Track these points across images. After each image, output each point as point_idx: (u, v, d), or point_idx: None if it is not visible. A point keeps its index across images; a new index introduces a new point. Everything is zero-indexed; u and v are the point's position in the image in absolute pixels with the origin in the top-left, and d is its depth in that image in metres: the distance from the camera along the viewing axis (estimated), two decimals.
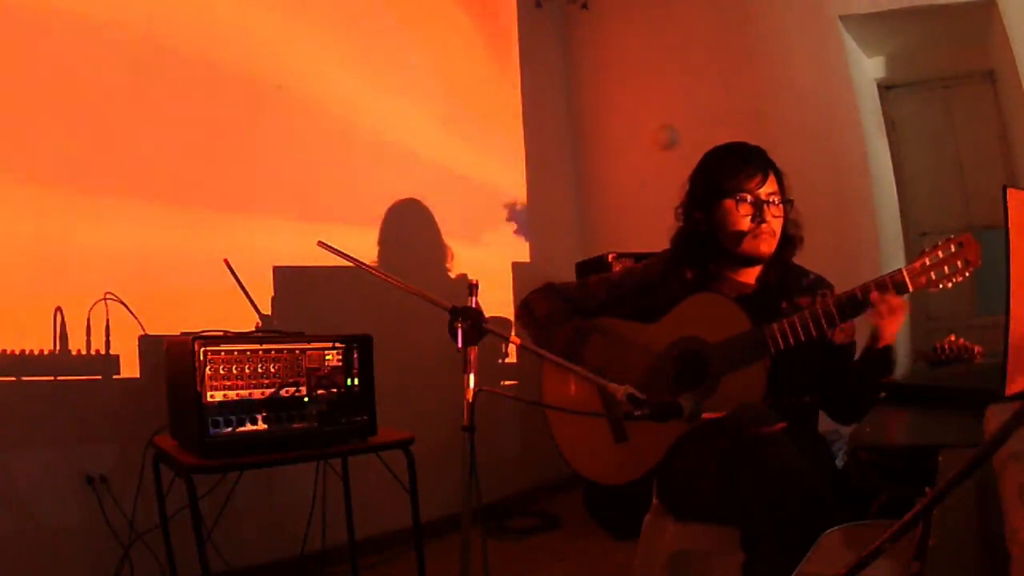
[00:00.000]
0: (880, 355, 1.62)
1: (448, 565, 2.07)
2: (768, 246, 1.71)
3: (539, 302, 1.85)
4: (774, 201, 1.70)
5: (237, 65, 2.77)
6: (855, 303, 1.55)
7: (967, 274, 1.49)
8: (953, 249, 1.49)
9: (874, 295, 1.52)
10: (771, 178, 1.71)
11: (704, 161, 1.80)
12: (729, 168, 1.72)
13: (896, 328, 1.57)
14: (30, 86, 2.26)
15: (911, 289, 1.52)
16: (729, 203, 1.70)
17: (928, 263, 1.51)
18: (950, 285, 1.50)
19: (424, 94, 3.49)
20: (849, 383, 1.70)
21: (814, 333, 1.57)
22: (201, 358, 1.88)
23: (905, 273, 1.52)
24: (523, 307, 1.89)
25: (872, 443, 1.46)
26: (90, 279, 2.33)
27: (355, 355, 2.14)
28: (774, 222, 1.70)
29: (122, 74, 2.46)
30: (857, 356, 1.72)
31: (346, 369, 2.12)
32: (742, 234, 1.70)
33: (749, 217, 1.69)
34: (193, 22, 2.66)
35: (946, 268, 1.49)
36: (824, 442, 1.77)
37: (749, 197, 1.68)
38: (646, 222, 2.50)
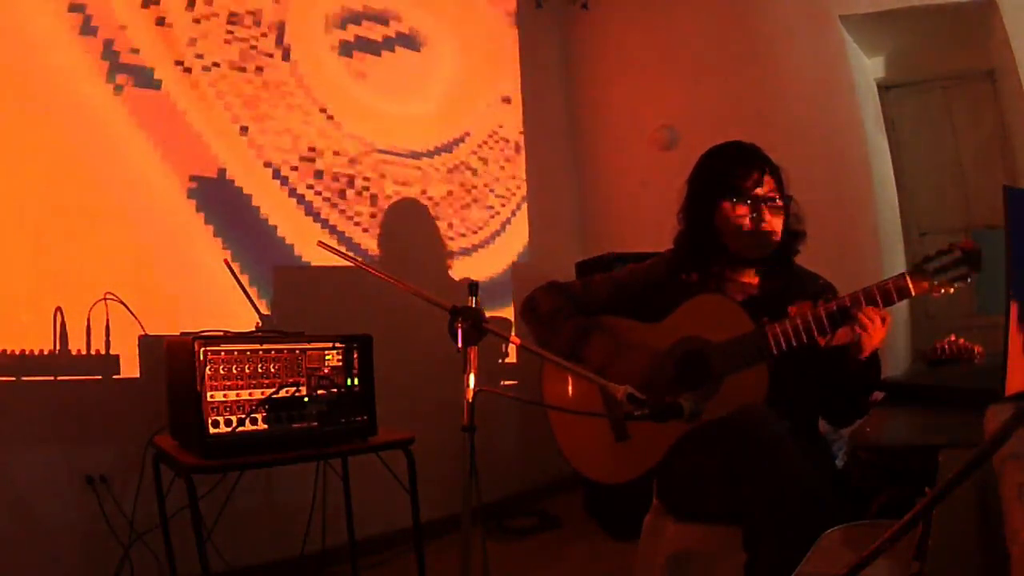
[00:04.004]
0: (861, 366, 1.59)
1: (448, 565, 2.07)
2: (768, 245, 1.71)
3: (543, 299, 1.86)
4: (773, 199, 1.70)
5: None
6: (844, 312, 1.54)
7: (968, 280, 1.49)
8: (956, 255, 1.49)
9: (858, 310, 1.51)
10: (768, 176, 1.71)
11: (701, 163, 1.81)
12: (725, 168, 1.72)
13: (876, 343, 1.54)
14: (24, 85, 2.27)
15: (913, 294, 1.52)
16: (726, 204, 1.70)
17: (930, 268, 1.51)
18: (952, 290, 1.50)
19: (424, 93, 3.49)
20: (849, 385, 1.70)
21: (816, 335, 1.57)
22: (201, 358, 1.88)
23: (907, 278, 1.52)
24: (527, 304, 1.89)
25: (872, 443, 1.46)
26: (90, 279, 2.33)
27: (355, 355, 2.14)
28: (773, 220, 1.70)
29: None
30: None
31: (346, 369, 2.12)
32: (741, 234, 1.70)
33: (747, 216, 1.69)
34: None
35: (948, 274, 1.50)
36: (824, 442, 1.77)
37: (747, 197, 1.68)
38: (646, 222, 2.50)
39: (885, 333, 1.53)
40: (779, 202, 1.71)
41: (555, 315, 1.81)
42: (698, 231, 1.76)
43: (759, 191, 1.69)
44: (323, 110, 3.05)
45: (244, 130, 2.78)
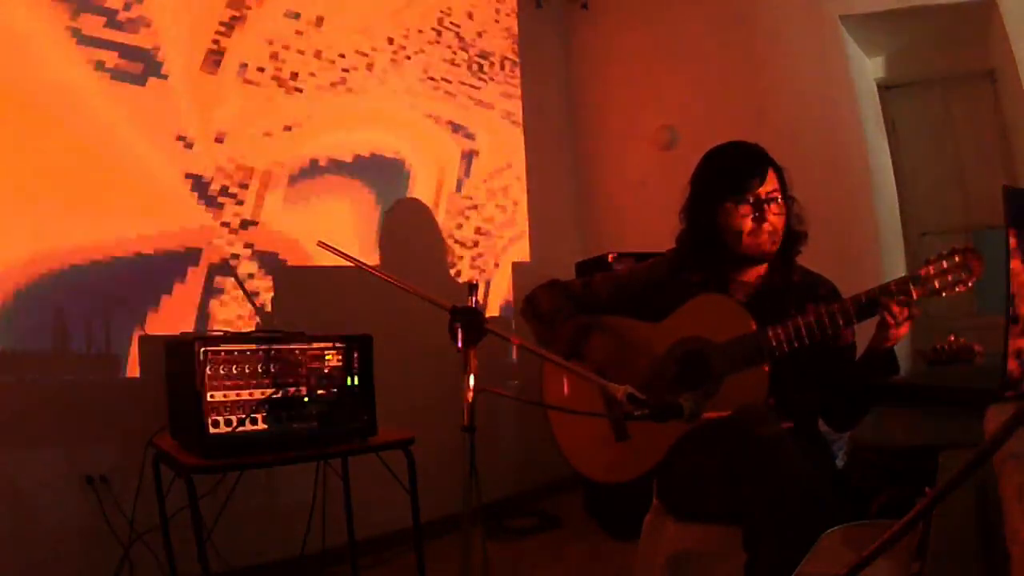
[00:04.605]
0: (885, 356, 1.62)
1: (448, 565, 2.07)
2: (770, 245, 1.71)
3: (543, 298, 1.85)
4: (775, 199, 1.70)
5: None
6: (862, 309, 1.55)
7: (969, 285, 1.50)
8: (956, 260, 1.50)
9: (889, 299, 1.52)
10: (770, 176, 1.70)
11: (703, 162, 1.80)
12: (727, 169, 1.72)
13: (905, 332, 1.57)
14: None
15: (915, 297, 1.53)
16: (729, 204, 1.69)
17: (932, 272, 1.52)
18: (952, 294, 1.51)
19: (423, 95, 3.49)
20: (848, 386, 1.70)
21: (818, 337, 1.57)
22: (201, 358, 1.88)
23: (909, 281, 1.53)
24: (527, 302, 1.89)
25: (872, 443, 1.47)
26: (90, 279, 2.33)
27: (355, 355, 2.13)
28: (775, 220, 1.70)
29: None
30: (858, 358, 1.71)
31: (346, 369, 2.12)
32: (743, 234, 1.69)
33: (749, 217, 1.68)
34: None
35: (949, 278, 1.51)
36: (824, 442, 1.77)
37: (749, 197, 1.68)
38: (646, 222, 2.50)
39: (909, 327, 1.56)
40: (781, 202, 1.71)
41: (555, 314, 1.81)
42: (700, 231, 1.76)
43: (761, 192, 1.68)
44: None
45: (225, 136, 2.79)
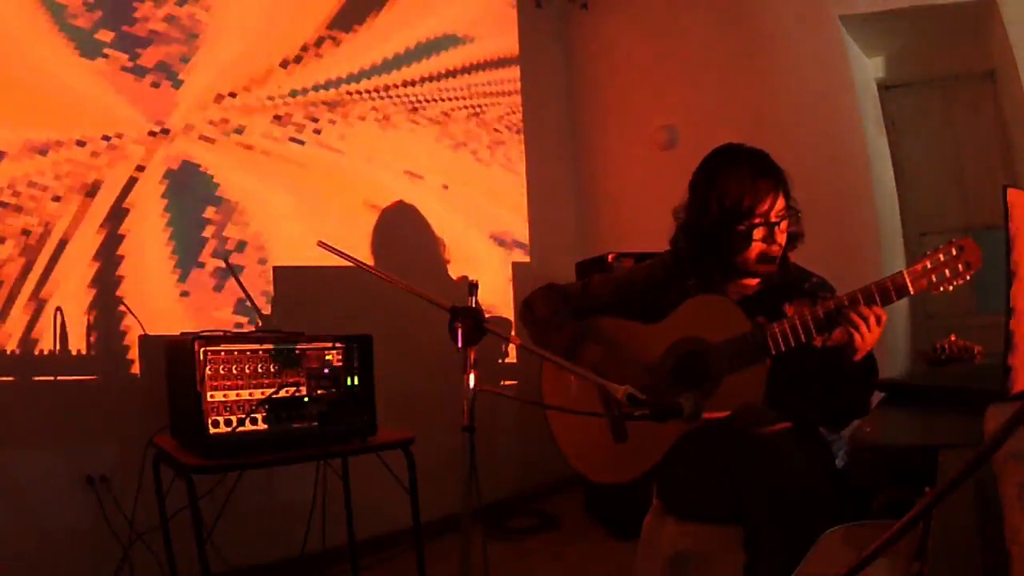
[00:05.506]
0: (856, 367, 1.58)
1: (448, 565, 2.07)
2: (774, 264, 1.71)
3: (541, 302, 1.85)
4: (784, 217, 1.69)
5: None
6: (839, 311, 1.53)
7: (967, 277, 1.48)
8: (954, 252, 1.49)
9: (851, 310, 1.49)
10: (781, 195, 1.68)
11: (712, 171, 1.73)
12: (742, 190, 1.66)
13: (870, 344, 1.53)
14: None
15: (912, 292, 1.51)
16: (741, 228, 1.67)
17: (929, 266, 1.50)
18: (951, 288, 1.49)
19: (424, 94, 3.49)
20: (841, 387, 1.69)
21: (815, 334, 1.56)
22: (201, 358, 1.88)
23: (906, 276, 1.51)
24: (525, 306, 1.88)
25: (872, 443, 1.46)
26: (90, 279, 2.33)
27: (355, 355, 2.14)
28: (782, 239, 1.70)
29: None
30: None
31: (346, 369, 2.12)
32: (753, 257, 1.68)
33: (761, 239, 1.67)
34: None
35: (947, 271, 1.49)
36: (824, 442, 1.76)
37: (761, 221, 1.67)
38: (646, 222, 2.49)
39: (879, 334, 1.52)
40: (788, 218, 1.70)
41: (552, 318, 1.81)
42: (703, 242, 1.74)
43: (773, 215, 1.67)
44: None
45: (239, 131, 2.79)
